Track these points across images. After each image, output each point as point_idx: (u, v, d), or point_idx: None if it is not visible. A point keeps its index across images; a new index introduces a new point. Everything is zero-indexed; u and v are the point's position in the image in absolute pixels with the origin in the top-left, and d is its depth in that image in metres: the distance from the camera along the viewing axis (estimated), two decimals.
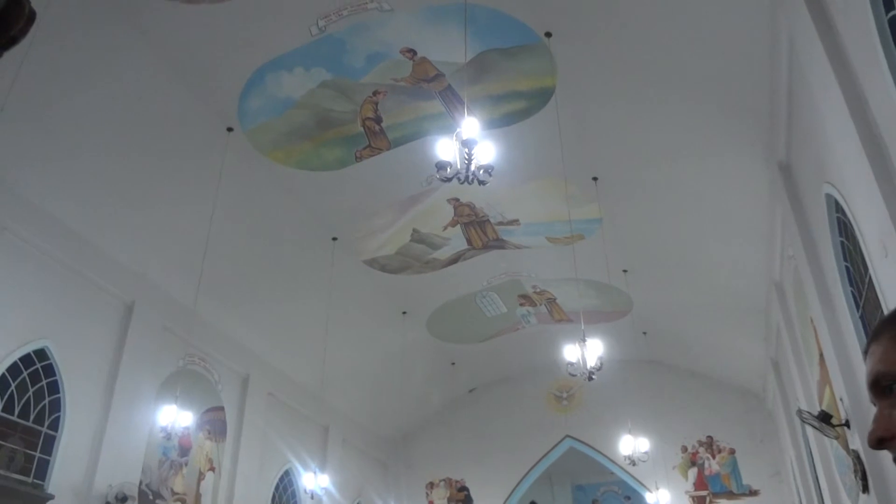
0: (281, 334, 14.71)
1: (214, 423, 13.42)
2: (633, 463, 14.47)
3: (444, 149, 6.51)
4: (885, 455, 1.21)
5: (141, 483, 11.33)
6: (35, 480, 9.61)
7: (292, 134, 11.00)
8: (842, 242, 7.54)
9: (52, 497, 9.54)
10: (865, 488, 7.82)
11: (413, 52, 9.90)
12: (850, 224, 6.77)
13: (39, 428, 9.90)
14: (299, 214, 12.66)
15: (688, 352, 17.58)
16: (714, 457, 17.81)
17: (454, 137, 6.45)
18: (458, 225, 13.51)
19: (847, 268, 7.56)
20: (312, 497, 13.94)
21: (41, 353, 10.08)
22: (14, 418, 9.56)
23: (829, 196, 7.39)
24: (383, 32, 9.62)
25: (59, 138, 9.62)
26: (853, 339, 7.59)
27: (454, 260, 14.48)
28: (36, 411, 9.89)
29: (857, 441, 7.76)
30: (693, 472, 17.80)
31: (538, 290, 15.95)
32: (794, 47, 7.19)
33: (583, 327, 10.53)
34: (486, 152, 6.52)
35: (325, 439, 16.91)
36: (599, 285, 15.04)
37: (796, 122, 8.14)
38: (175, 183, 11.08)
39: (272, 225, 12.59)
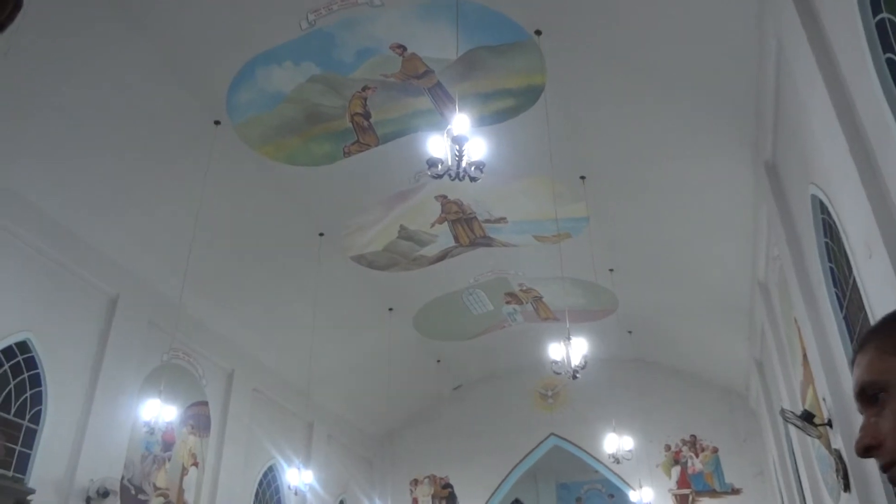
0: (267, 330, 14.65)
1: (198, 418, 13.36)
2: (618, 461, 14.55)
3: (436, 145, 6.49)
4: None
5: (123, 478, 11.25)
6: (16, 474, 9.51)
7: (281, 128, 10.94)
8: (826, 243, 7.60)
9: (33, 491, 9.44)
10: (847, 487, 7.89)
11: (403, 48, 9.88)
12: (835, 225, 6.82)
13: (20, 421, 9.81)
14: (286, 209, 12.61)
15: (673, 351, 17.68)
16: (697, 455, 17.94)
17: (445, 134, 6.43)
18: (446, 222, 13.50)
19: (831, 269, 7.62)
20: (296, 493, 13.93)
21: (23, 346, 9.98)
22: None
23: (814, 197, 7.44)
24: (373, 28, 9.59)
25: (45, 130, 9.52)
26: (837, 339, 7.65)
27: (441, 257, 14.47)
28: (17, 404, 9.79)
29: (840, 440, 7.82)
30: (676, 471, 17.92)
31: (525, 288, 15.98)
32: (781, 48, 7.23)
33: (568, 326, 10.56)
34: (478, 149, 6.50)
35: (309, 435, 16.87)
36: (586, 284, 15.08)
37: (783, 122, 8.19)
38: (162, 176, 11.00)
39: (259, 220, 12.52)
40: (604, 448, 15.16)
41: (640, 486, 16.29)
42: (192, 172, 10.90)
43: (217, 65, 9.83)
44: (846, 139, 5.56)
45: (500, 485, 19.15)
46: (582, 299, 15.75)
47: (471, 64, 9.82)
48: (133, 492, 11.50)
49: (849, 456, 7.67)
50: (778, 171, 9.12)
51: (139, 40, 9.22)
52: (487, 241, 14.10)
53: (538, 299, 16.35)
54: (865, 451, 1.19)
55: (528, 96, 10.42)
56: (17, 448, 9.70)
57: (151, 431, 10.79)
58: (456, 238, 13.95)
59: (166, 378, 11.76)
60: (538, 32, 9.34)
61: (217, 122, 10.57)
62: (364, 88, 10.49)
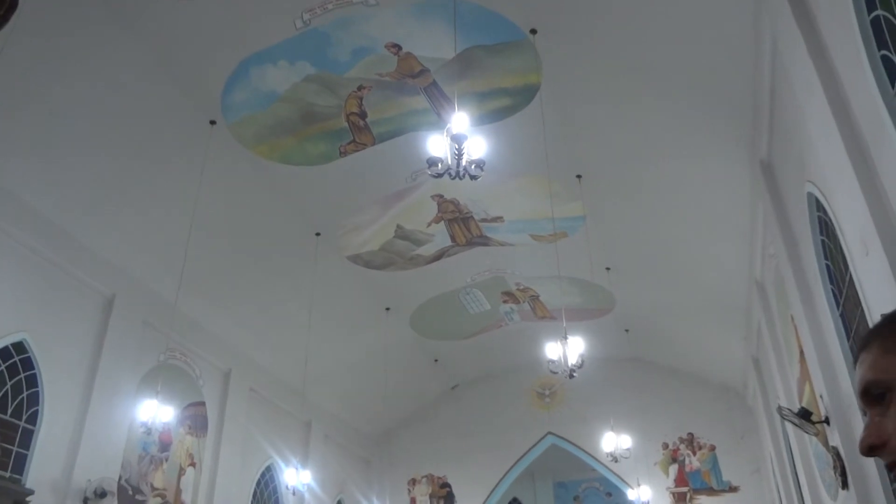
0: (263, 330, 14.63)
1: (195, 418, 13.34)
2: (615, 459, 14.56)
3: (435, 144, 6.47)
4: None
5: (120, 478, 11.23)
6: (13, 475, 9.49)
7: (276, 128, 10.92)
8: (823, 241, 7.61)
9: (31, 492, 9.42)
10: (845, 484, 7.90)
11: (398, 47, 9.86)
12: (831, 222, 6.83)
13: (17, 422, 9.78)
14: (282, 209, 12.59)
15: (669, 349, 17.69)
16: (695, 453, 17.96)
17: (445, 133, 6.41)
18: (443, 221, 13.49)
19: (828, 266, 7.63)
20: (294, 493, 13.91)
21: (19, 346, 9.95)
22: None
23: (810, 195, 7.45)
24: (368, 27, 9.58)
25: (40, 131, 9.49)
26: (833, 337, 7.66)
27: (438, 257, 14.47)
28: (14, 405, 9.77)
29: (837, 438, 7.83)
30: (674, 469, 17.94)
31: (522, 287, 15.97)
32: (777, 46, 7.23)
33: (564, 325, 10.55)
34: (477, 147, 6.49)
35: (307, 435, 16.86)
36: (582, 283, 15.09)
37: (778, 121, 8.19)
38: (157, 176, 10.98)
39: (255, 219, 12.50)
40: (601, 447, 15.16)
41: (638, 485, 16.30)
42: (187, 172, 10.87)
43: (212, 64, 9.81)
44: (842, 137, 5.57)
45: (497, 484, 19.16)
46: (579, 298, 15.75)
47: (466, 63, 9.81)
48: (130, 492, 11.49)
49: (846, 453, 7.68)
50: (774, 169, 9.13)
51: (133, 40, 9.20)
52: (484, 241, 14.10)
53: (535, 298, 16.35)
54: (870, 450, 1.19)
55: (524, 95, 10.41)
56: (14, 449, 9.68)
57: (148, 432, 10.76)
58: (452, 237, 13.94)
59: (163, 378, 11.73)
60: (533, 31, 9.33)
61: (212, 122, 10.55)
62: (359, 88, 10.48)
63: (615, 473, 17.88)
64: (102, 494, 10.50)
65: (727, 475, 17.56)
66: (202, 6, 8.86)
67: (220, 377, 14.22)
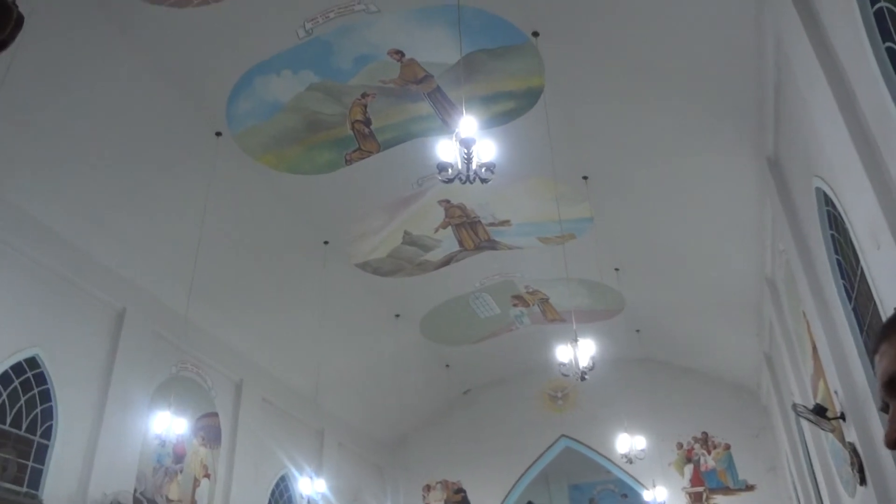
0: (274, 339, 14.65)
1: (209, 429, 13.36)
2: (630, 461, 14.50)
3: (444, 150, 6.46)
4: (883, 447, 1.20)
5: (135, 491, 11.25)
6: (28, 490, 9.53)
7: (281, 137, 10.96)
8: (832, 235, 7.56)
9: None
10: (863, 481, 7.84)
11: (401, 53, 9.89)
12: (841, 217, 6.79)
13: (32, 437, 9.82)
14: (290, 218, 12.62)
15: (681, 349, 17.61)
16: (710, 453, 17.86)
17: (453, 137, 6.41)
18: (450, 226, 13.49)
19: (838, 261, 7.58)
20: (309, 502, 13.88)
21: (32, 362, 10.00)
22: (6, 427, 9.48)
23: (818, 190, 7.41)
24: (370, 34, 9.60)
25: (48, 144, 9.56)
26: (846, 331, 7.61)
27: (446, 262, 14.46)
28: (28, 420, 9.81)
29: (854, 434, 7.77)
30: (689, 469, 17.84)
31: (531, 290, 15.95)
32: (780, 42, 7.21)
33: (574, 327, 10.52)
34: (487, 150, 6.48)
35: (320, 444, 16.86)
36: (592, 284, 15.05)
37: (784, 116, 8.16)
38: (165, 188, 11.03)
39: (263, 229, 12.54)
40: (616, 448, 15.10)
41: (654, 485, 16.22)
42: (194, 184, 10.93)
43: (216, 76, 9.85)
44: (848, 130, 5.54)
45: (512, 488, 19.10)
46: (588, 299, 15.72)
47: (469, 68, 9.82)
48: None
49: (864, 449, 7.62)
50: (781, 165, 9.09)
51: (139, 54, 9.26)
52: (492, 245, 14.09)
53: (545, 301, 16.32)
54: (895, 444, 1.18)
55: (528, 98, 10.41)
56: (30, 464, 9.72)
57: (162, 444, 10.81)
58: (460, 242, 13.94)
59: (176, 390, 11.78)
60: (536, 34, 9.34)
61: (218, 134, 10.60)
62: (363, 95, 10.51)
63: (630, 475, 17.80)
64: None
65: (743, 474, 17.45)
66: (206, 18, 8.91)
67: (232, 388, 14.25)
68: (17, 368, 9.79)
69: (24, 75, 8.22)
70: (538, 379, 19.22)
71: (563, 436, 19.15)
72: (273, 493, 15.05)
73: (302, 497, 13.92)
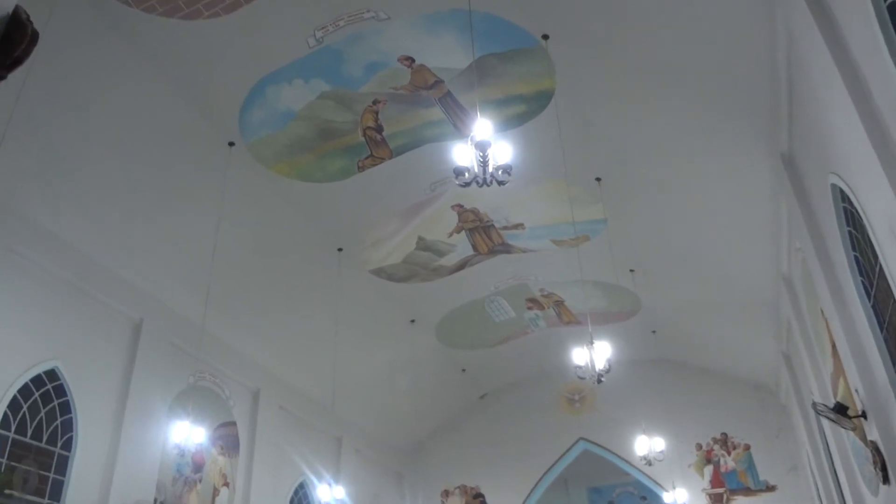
0: (290, 347, 14.70)
1: (227, 438, 13.41)
2: (649, 463, 14.40)
3: (460, 154, 6.46)
4: None
5: (155, 500, 11.30)
6: (50, 501, 9.59)
7: (294, 146, 11.01)
8: (850, 232, 7.49)
9: None
10: (886, 479, 7.75)
11: (411, 59, 9.91)
12: (858, 213, 6.73)
13: (52, 449, 9.90)
14: (304, 226, 12.67)
15: (698, 349, 17.51)
16: (729, 453, 17.73)
17: (468, 141, 6.40)
18: (463, 231, 13.49)
19: (856, 258, 7.51)
20: None
21: (51, 374, 10.08)
22: (27, 440, 9.56)
23: (834, 186, 7.35)
24: (380, 41, 9.63)
25: (62, 158, 9.64)
26: (866, 329, 7.53)
27: (460, 266, 14.46)
28: (48, 432, 9.89)
29: (875, 432, 7.69)
30: (709, 470, 17.72)
31: (546, 293, 15.91)
32: (792, 38, 7.17)
33: (590, 329, 10.47)
34: (503, 152, 6.47)
35: (338, 451, 16.88)
36: (607, 286, 15.00)
37: (798, 113, 8.11)
38: (179, 199, 11.10)
39: (277, 238, 12.59)
40: (634, 450, 15.01)
41: (674, 487, 16.11)
42: (208, 194, 10.99)
43: (228, 87, 9.91)
44: (864, 125, 5.50)
45: (531, 491, 19.04)
46: (604, 301, 15.66)
47: (479, 72, 9.83)
48: None
49: (886, 447, 7.54)
50: (795, 162, 9.03)
51: (150, 66, 9.34)
52: (506, 248, 14.07)
53: (560, 303, 16.28)
54: None
55: (539, 101, 10.41)
56: (51, 475, 9.78)
57: (182, 453, 10.85)
58: (474, 246, 13.94)
59: (194, 400, 11.84)
60: (545, 37, 9.33)
61: (231, 144, 10.66)
62: (374, 102, 10.54)
63: (649, 477, 17.70)
64: None
65: (764, 474, 17.31)
66: (216, 29, 8.97)
67: (249, 396, 14.30)
68: (37, 381, 9.86)
69: (38, 90, 8.30)
70: (555, 382, 19.17)
71: (581, 438, 19.09)
72: (292, 501, 15.08)
73: None
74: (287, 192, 11.78)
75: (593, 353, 9.94)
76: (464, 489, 19.67)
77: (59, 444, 10.00)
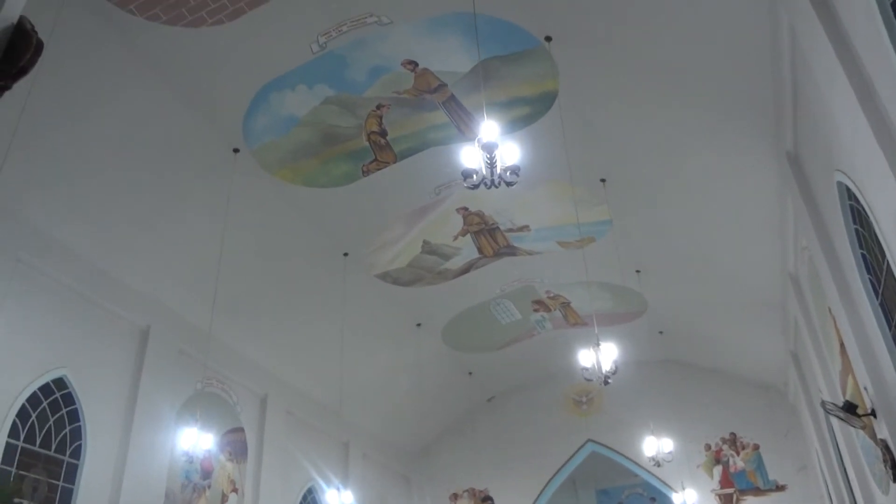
0: (296, 352, 14.71)
1: (235, 444, 13.42)
2: (658, 464, 14.35)
3: (468, 156, 6.45)
4: None
5: None
6: None
7: (298, 152, 11.04)
8: (857, 230, 7.47)
9: None
10: None
11: (414, 63, 9.93)
12: (864, 211, 6.71)
13: (61, 457, 9.92)
14: (309, 232, 12.68)
15: (705, 349, 17.47)
16: (738, 453, 17.67)
17: (476, 143, 6.40)
18: (469, 234, 13.50)
19: (863, 255, 7.48)
20: None
21: (60, 383, 10.10)
22: (36, 448, 9.58)
23: (840, 184, 7.32)
24: (383, 46, 9.65)
25: (68, 166, 9.67)
26: (874, 327, 7.50)
27: (466, 269, 14.46)
28: (57, 441, 9.91)
29: (885, 430, 7.65)
30: (718, 470, 17.66)
31: (552, 294, 15.90)
32: (795, 36, 7.15)
33: (596, 331, 10.45)
34: (510, 153, 6.46)
35: (346, 455, 16.87)
36: (613, 287, 14.98)
37: (802, 111, 8.09)
38: (184, 206, 11.13)
39: (283, 243, 12.61)
40: (643, 451, 14.97)
41: (683, 488, 16.06)
42: (214, 200, 11.01)
43: (231, 93, 9.94)
44: (869, 122, 5.48)
45: (539, 494, 19.00)
46: (610, 302, 15.64)
47: (483, 74, 9.84)
48: None
49: None
50: (800, 160, 9.00)
51: (154, 73, 9.36)
52: (511, 251, 14.07)
53: (566, 305, 16.26)
54: None
55: (543, 103, 10.41)
56: (60, 484, 9.80)
57: (190, 460, 10.85)
58: (480, 249, 13.93)
59: (201, 406, 11.85)
60: (548, 39, 9.34)
61: (236, 150, 10.69)
62: (378, 107, 10.56)
63: (658, 478, 17.66)
64: None
65: (773, 474, 17.25)
66: (220, 36, 9.00)
67: (257, 402, 14.31)
68: (46, 389, 9.89)
69: (43, 99, 8.32)
70: (562, 384, 19.16)
71: (589, 440, 19.05)
72: None
73: None
74: (292, 197, 11.80)
75: (600, 355, 9.93)
76: (472, 492, 19.64)
77: (68, 453, 10.03)
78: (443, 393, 18.58)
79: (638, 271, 14.28)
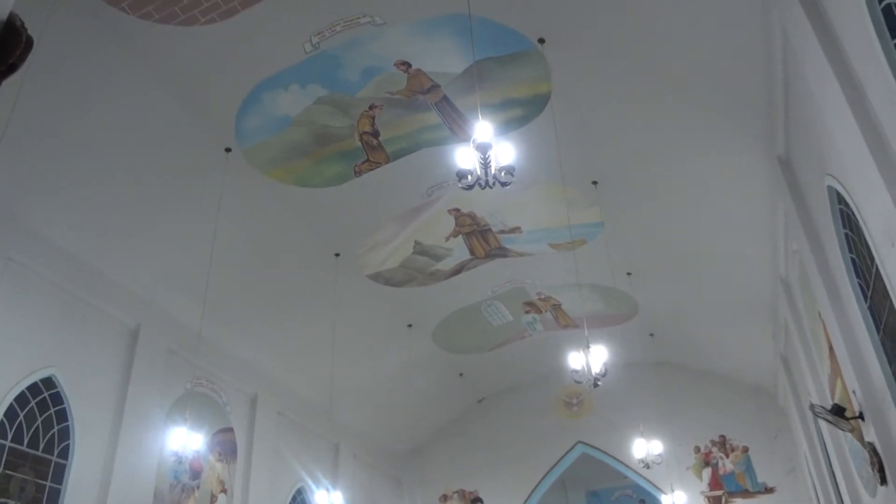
0: (287, 352, 14.67)
1: (224, 444, 13.37)
2: (647, 466, 14.38)
3: (462, 157, 6.45)
4: None
5: None
6: None
7: (290, 151, 11.01)
8: (846, 234, 7.51)
9: None
10: (883, 480, 7.76)
11: (407, 64, 9.92)
12: (854, 215, 6.75)
13: (49, 457, 9.86)
14: (301, 232, 12.65)
15: (696, 352, 17.52)
16: (728, 456, 17.72)
17: (470, 144, 6.39)
18: (461, 235, 13.49)
19: (853, 259, 7.53)
20: None
21: (48, 382, 10.04)
22: (24, 448, 9.52)
23: (830, 188, 7.36)
24: (377, 46, 9.64)
25: (59, 165, 9.62)
26: (863, 330, 7.54)
27: (457, 270, 14.46)
28: (45, 440, 9.85)
29: (873, 433, 7.70)
30: (707, 473, 17.71)
31: (543, 296, 15.91)
32: (787, 39, 7.19)
33: (586, 333, 10.44)
34: (505, 153, 6.46)
35: (336, 456, 16.84)
36: (604, 289, 15.01)
37: (794, 115, 8.13)
38: (176, 205, 11.08)
39: (274, 243, 12.57)
40: (633, 453, 14.99)
41: (672, 490, 16.09)
42: (205, 200, 10.97)
43: (224, 93, 9.91)
44: (859, 127, 5.51)
45: (529, 495, 19.01)
46: (601, 304, 15.66)
47: (476, 76, 9.84)
48: None
49: (884, 448, 7.54)
50: (792, 164, 9.05)
51: (147, 72, 9.32)
52: (503, 252, 14.07)
53: (557, 307, 16.28)
54: None
55: (535, 105, 10.42)
56: (48, 484, 9.74)
57: (179, 460, 10.80)
58: (471, 251, 13.93)
59: (191, 406, 11.80)
60: (541, 41, 9.34)
61: (228, 150, 10.65)
62: (371, 107, 10.54)
63: (648, 480, 17.69)
64: None
65: (762, 476, 17.31)
66: (213, 35, 8.96)
67: (247, 402, 14.26)
68: (34, 389, 9.83)
69: (34, 97, 8.27)
70: (553, 385, 19.16)
71: (579, 442, 19.07)
72: None
73: None
74: (284, 197, 11.77)
75: (589, 357, 9.93)
76: (462, 493, 19.64)
77: (56, 453, 9.97)
78: (434, 394, 18.57)
79: (629, 273, 14.30)
